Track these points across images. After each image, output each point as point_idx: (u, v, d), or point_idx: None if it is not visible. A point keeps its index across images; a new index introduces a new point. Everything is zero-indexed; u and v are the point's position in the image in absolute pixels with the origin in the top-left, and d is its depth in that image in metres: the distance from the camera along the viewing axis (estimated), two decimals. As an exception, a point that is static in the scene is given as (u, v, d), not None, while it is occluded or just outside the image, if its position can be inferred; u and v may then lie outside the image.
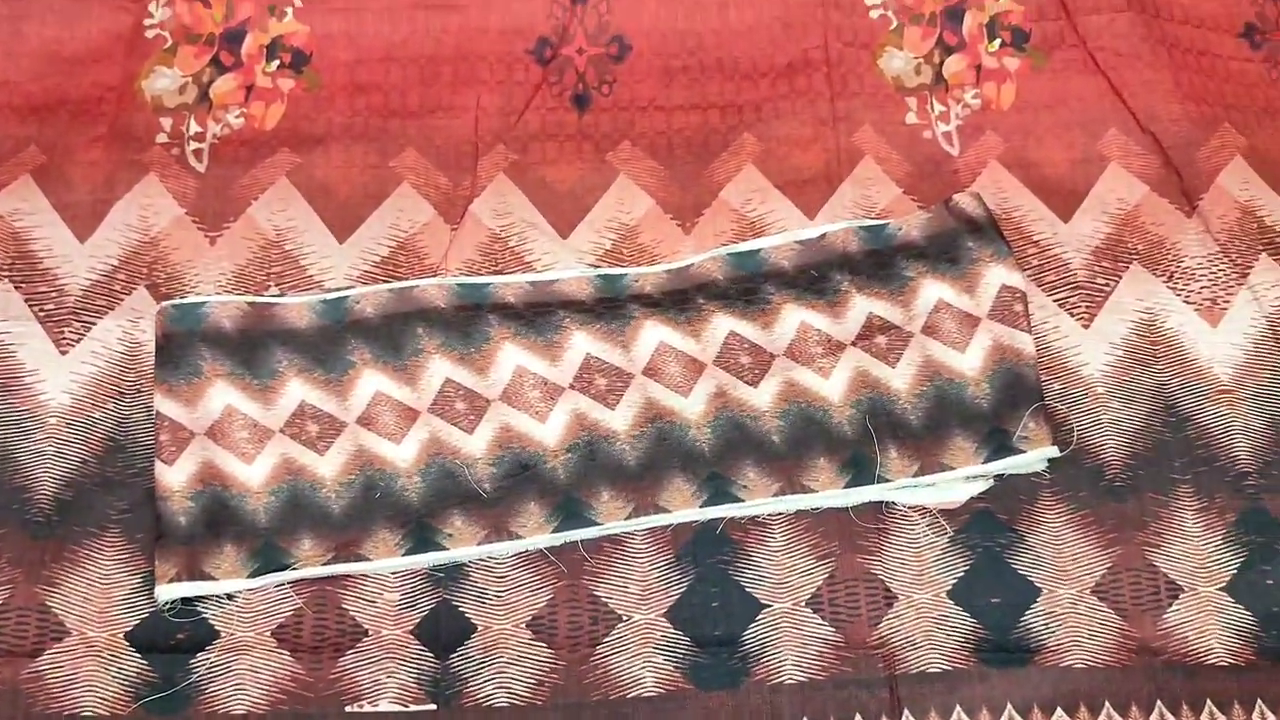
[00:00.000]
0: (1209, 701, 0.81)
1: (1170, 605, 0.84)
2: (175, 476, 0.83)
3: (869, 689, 0.81)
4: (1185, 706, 0.81)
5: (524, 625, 0.82)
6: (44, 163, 0.95)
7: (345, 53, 1.01)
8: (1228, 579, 0.84)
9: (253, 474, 0.84)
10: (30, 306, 0.90)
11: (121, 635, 0.81)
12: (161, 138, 0.97)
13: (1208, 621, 0.83)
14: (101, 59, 0.99)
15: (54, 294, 0.90)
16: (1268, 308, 0.92)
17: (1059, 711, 0.80)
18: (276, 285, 0.91)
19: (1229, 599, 0.84)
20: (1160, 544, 0.85)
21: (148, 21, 1.00)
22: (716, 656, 0.82)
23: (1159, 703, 0.81)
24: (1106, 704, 0.81)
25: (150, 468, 0.84)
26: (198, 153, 0.97)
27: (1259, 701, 0.81)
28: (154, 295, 0.90)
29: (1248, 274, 0.93)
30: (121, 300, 0.91)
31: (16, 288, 0.90)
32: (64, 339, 0.89)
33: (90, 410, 0.87)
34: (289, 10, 1.01)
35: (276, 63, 1.00)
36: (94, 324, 0.90)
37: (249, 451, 0.85)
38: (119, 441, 0.86)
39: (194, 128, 0.97)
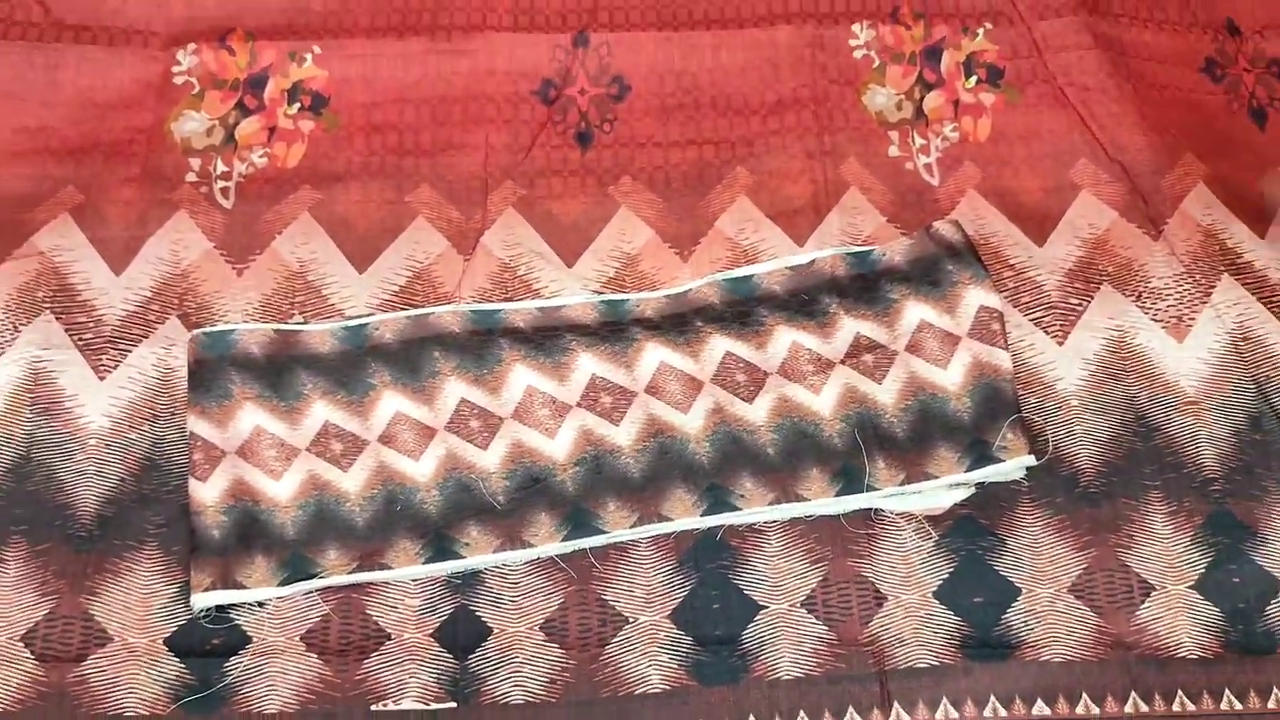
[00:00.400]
0: (1180, 692, 0.85)
1: (1142, 603, 0.88)
2: (208, 492, 0.87)
3: (861, 683, 0.85)
4: (1158, 696, 0.85)
5: (537, 627, 0.86)
6: (81, 202, 0.99)
7: (362, 95, 1.05)
8: (1196, 578, 0.89)
9: (281, 490, 0.88)
10: (70, 336, 0.94)
11: (160, 641, 0.84)
12: (190, 177, 1.01)
13: (1178, 617, 0.87)
14: (133, 105, 1.03)
15: (92, 324, 0.94)
16: (1230, 324, 0.96)
17: (1039, 703, 0.84)
18: (300, 313, 0.96)
19: (1198, 596, 0.88)
20: (1132, 545, 0.89)
21: (176, 69, 1.05)
22: (718, 655, 0.86)
23: (1133, 693, 0.85)
24: (1084, 695, 0.85)
25: (184, 485, 0.88)
26: (225, 190, 1.01)
27: (1226, 691, 0.85)
28: (185, 324, 0.95)
29: (1211, 293, 0.98)
30: (155, 329, 0.95)
31: (57, 318, 0.94)
32: (102, 366, 0.93)
33: (127, 432, 0.91)
34: (308, 56, 1.06)
35: (297, 105, 1.05)
36: (130, 351, 0.94)
37: (277, 469, 0.89)
38: (155, 461, 0.90)
39: (221, 167, 1.02)
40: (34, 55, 1.03)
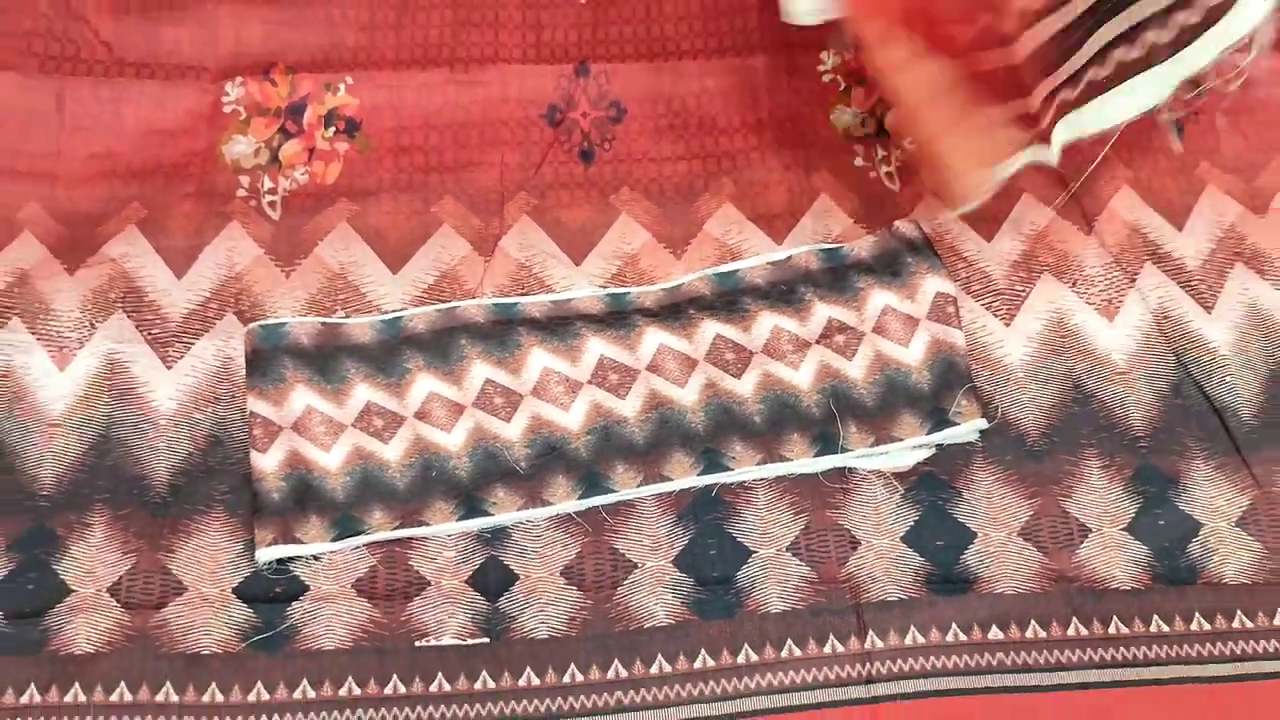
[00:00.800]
0: (1115, 618, 0.95)
1: (1081, 543, 0.98)
2: (268, 462, 0.98)
3: (840, 615, 0.94)
4: (1095, 622, 0.95)
5: (558, 573, 0.96)
6: (146, 216, 1.08)
7: (390, 120, 1.15)
8: (1127, 521, 0.99)
9: (330, 460, 0.98)
10: (140, 331, 1.03)
11: (229, 590, 0.94)
12: (241, 192, 1.10)
13: (1112, 555, 0.98)
14: (188, 131, 1.13)
15: (158, 321, 1.04)
16: (1152, 305, 1.08)
17: (994, 629, 0.94)
18: (343, 309, 1.06)
19: (1129, 537, 0.98)
20: (1072, 495, 1.00)
21: (224, 99, 1.15)
22: (715, 593, 0.95)
23: (1074, 620, 0.95)
24: (1032, 622, 0.95)
25: (244, 459, 0.98)
26: (272, 204, 1.11)
27: (1154, 616, 0.95)
28: (241, 320, 1.04)
29: (1136, 279, 1.09)
30: (214, 324, 1.04)
31: (128, 316, 1.03)
32: (169, 357, 1.02)
33: (193, 413, 1.00)
34: (342, 86, 1.16)
35: (333, 129, 1.14)
36: (193, 344, 1.03)
37: (326, 442, 0.99)
38: (219, 438, 0.99)
39: (267, 184, 1.11)
40: (100, 90, 1.13)
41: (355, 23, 1.19)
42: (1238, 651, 0.95)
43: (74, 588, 0.94)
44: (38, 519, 0.96)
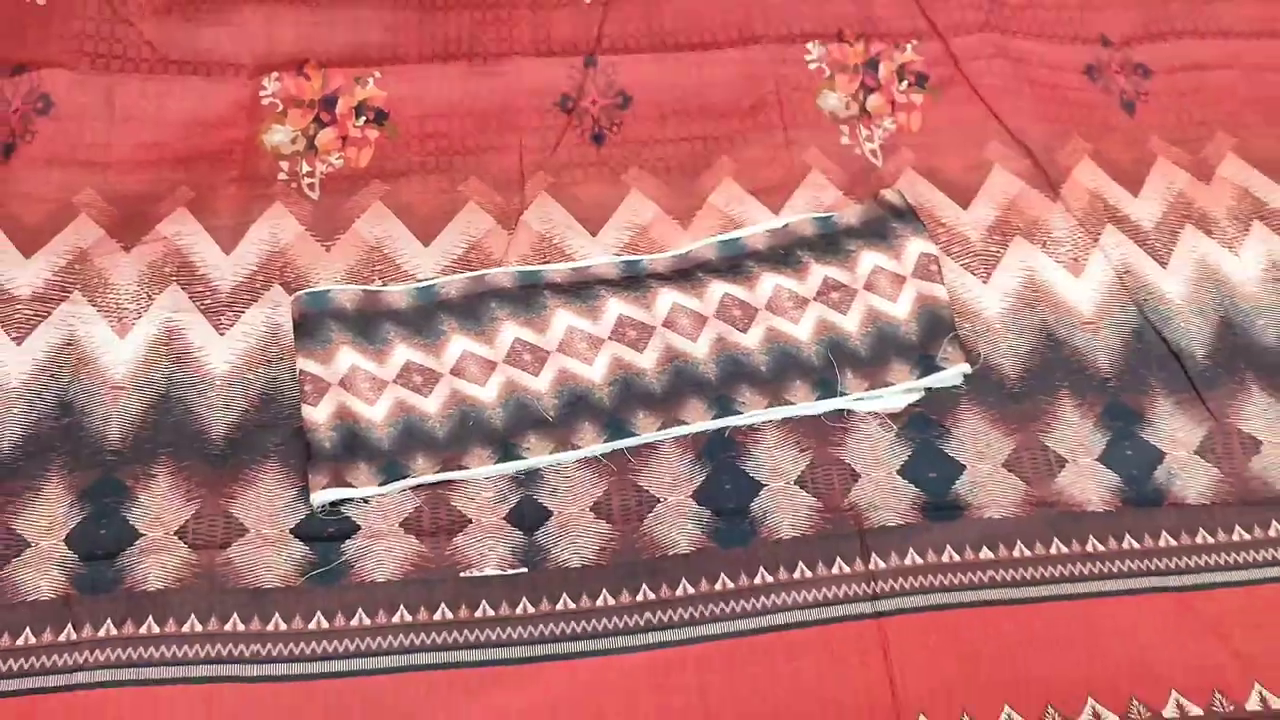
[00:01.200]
0: (1091, 537, 1.04)
1: (1059, 472, 1.07)
2: (319, 415, 1.05)
3: (845, 540, 1.03)
4: (1074, 541, 1.03)
5: (588, 509, 1.04)
6: (194, 198, 1.16)
7: (415, 110, 1.24)
8: (1099, 452, 1.08)
9: (375, 413, 1.06)
10: (193, 302, 1.11)
11: (288, 530, 1.01)
12: (282, 176, 1.19)
13: (1087, 482, 1.07)
14: (229, 122, 1.21)
15: (209, 292, 1.11)
16: (1114, 262, 1.18)
17: (985, 550, 1.03)
18: (380, 279, 1.14)
19: (1101, 466, 1.08)
20: (1049, 430, 1.09)
21: (262, 93, 1.23)
22: (731, 523, 1.03)
23: (1055, 539, 1.04)
24: (1018, 542, 1.03)
25: (295, 414, 1.06)
26: (310, 185, 1.19)
27: (1126, 535, 1.04)
28: (286, 290, 1.12)
29: (1098, 239, 1.19)
30: (262, 295, 1.12)
31: (183, 288, 1.11)
32: (221, 324, 1.10)
33: (245, 374, 1.08)
34: (370, 80, 1.25)
35: (364, 119, 1.23)
36: (243, 313, 1.11)
37: (371, 397, 1.07)
38: (271, 395, 1.07)
39: (306, 168, 1.20)
40: (147, 85, 1.22)
41: (379, 23, 1.29)
42: (1201, 564, 1.05)
43: (143, 532, 1.02)
44: (106, 471, 1.04)
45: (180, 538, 1.02)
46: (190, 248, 1.15)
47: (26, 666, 0.96)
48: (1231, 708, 0.98)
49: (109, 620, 0.98)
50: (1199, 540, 1.06)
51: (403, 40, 1.28)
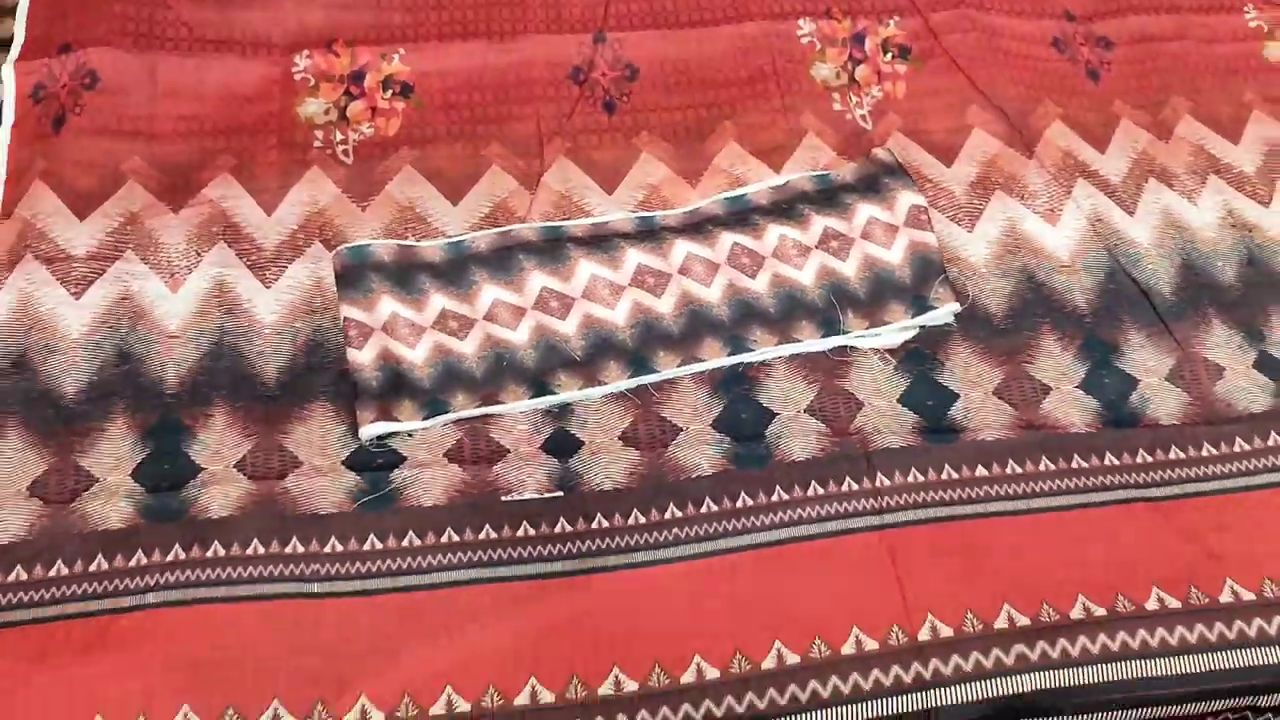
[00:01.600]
0: (1075, 455, 1.12)
1: (1044, 399, 1.16)
2: (364, 357, 1.13)
3: (852, 461, 1.11)
4: (1060, 458, 1.11)
5: (617, 437, 1.11)
6: (236, 164, 1.24)
7: (438, 83, 1.32)
8: (1079, 380, 1.17)
9: (416, 355, 1.14)
10: (240, 258, 1.18)
11: (339, 462, 1.08)
12: (317, 144, 1.27)
13: (1070, 407, 1.16)
14: (265, 96, 1.29)
15: (254, 250, 1.19)
16: (1086, 212, 1.28)
17: (980, 468, 1.11)
18: (413, 235, 1.22)
19: (1082, 392, 1.17)
20: (1034, 361, 1.18)
21: (294, 69, 1.32)
22: (749, 447, 1.11)
23: (1044, 458, 1.12)
24: (1010, 460, 1.11)
25: (341, 359, 1.13)
26: (345, 152, 1.27)
27: (1107, 453, 1.13)
28: (326, 247, 1.20)
29: (1071, 192, 1.29)
30: (304, 251, 1.19)
31: (229, 246, 1.19)
32: (267, 278, 1.18)
33: (292, 323, 1.15)
34: (395, 56, 1.34)
35: (390, 92, 1.31)
36: (287, 268, 1.18)
37: (411, 341, 1.14)
38: (317, 341, 1.14)
39: (339, 137, 1.28)
40: (186, 62, 1.30)
41: (400, 5, 1.38)
42: (1174, 477, 1.14)
43: (204, 466, 1.09)
44: (166, 412, 1.11)
45: (239, 470, 1.09)
46: (235, 210, 1.23)
47: (101, 589, 1.02)
48: (1206, 600, 1.06)
49: (176, 545, 1.04)
50: (1172, 456, 1.15)
51: (422, 20, 1.37)
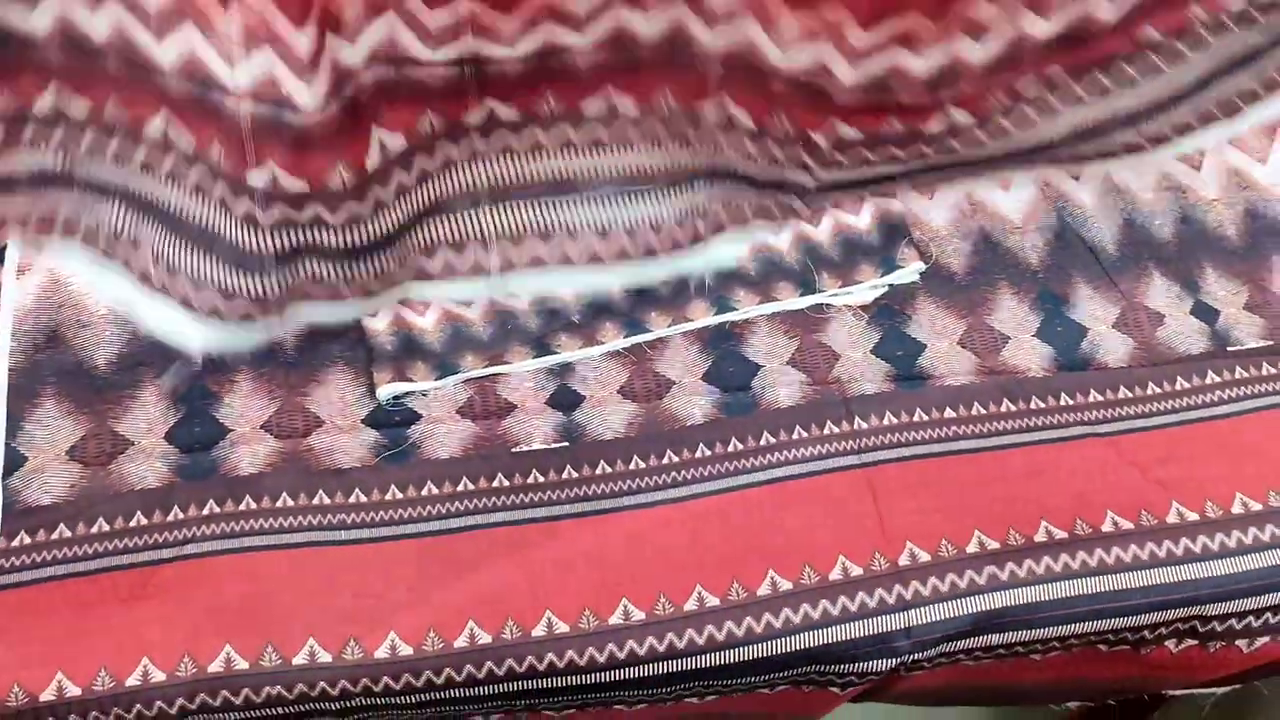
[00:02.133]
0: (1034, 397, 1.22)
1: (1004, 347, 1.25)
2: (378, 324, 1.20)
3: (833, 406, 1.19)
4: (1020, 400, 1.21)
5: (615, 391, 1.20)
6: None
7: None
8: (1034, 329, 1.26)
9: (426, 322, 1.21)
10: None
11: (359, 420, 1.16)
12: None
13: (1029, 354, 1.25)
14: None
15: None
16: (1035, 179, 1.39)
17: (948, 409, 1.20)
18: None
19: (1038, 341, 1.26)
20: (993, 312, 1.27)
21: None
22: (736, 397, 1.20)
23: (1005, 399, 1.21)
24: (975, 403, 1.21)
25: (356, 325, 1.21)
26: None
27: (1062, 393, 1.23)
28: None
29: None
30: None
31: None
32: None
33: None
34: None
35: None
36: None
37: (420, 309, 1.22)
38: None
39: None
40: None
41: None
42: (1123, 414, 1.24)
43: (232, 427, 1.16)
44: (193, 380, 1.19)
45: (265, 430, 1.16)
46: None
47: (141, 543, 1.09)
48: (1155, 521, 1.17)
49: (211, 500, 1.11)
50: (1120, 396, 1.25)
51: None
